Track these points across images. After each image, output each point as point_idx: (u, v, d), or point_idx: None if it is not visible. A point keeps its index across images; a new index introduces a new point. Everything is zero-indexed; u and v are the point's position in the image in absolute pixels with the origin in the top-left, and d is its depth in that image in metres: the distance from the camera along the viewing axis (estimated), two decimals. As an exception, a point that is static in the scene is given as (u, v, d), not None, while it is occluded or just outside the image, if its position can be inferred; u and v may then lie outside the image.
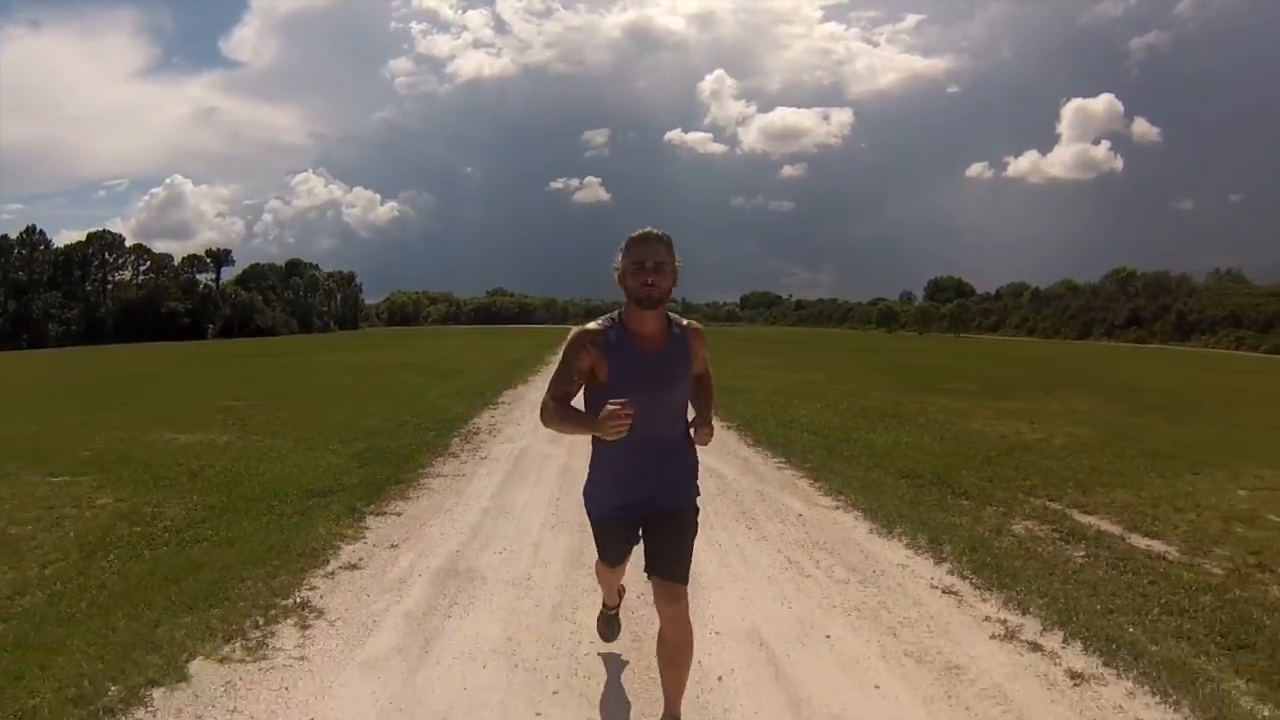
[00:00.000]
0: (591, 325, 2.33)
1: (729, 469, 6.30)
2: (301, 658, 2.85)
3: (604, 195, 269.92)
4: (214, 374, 18.36)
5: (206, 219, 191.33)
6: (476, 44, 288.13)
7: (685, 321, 2.40)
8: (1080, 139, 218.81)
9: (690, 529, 2.38)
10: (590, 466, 2.42)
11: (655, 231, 2.25)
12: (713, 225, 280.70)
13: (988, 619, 3.23)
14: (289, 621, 3.15)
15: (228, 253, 72.90)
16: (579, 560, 3.92)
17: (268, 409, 10.22)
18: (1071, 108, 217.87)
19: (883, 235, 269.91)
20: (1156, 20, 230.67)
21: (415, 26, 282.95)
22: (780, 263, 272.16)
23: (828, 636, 3.06)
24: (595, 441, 2.33)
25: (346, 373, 17.72)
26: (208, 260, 70.53)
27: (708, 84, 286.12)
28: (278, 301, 74.80)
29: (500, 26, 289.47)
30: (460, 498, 5.35)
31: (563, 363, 2.31)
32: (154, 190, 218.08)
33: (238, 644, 2.93)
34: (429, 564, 3.90)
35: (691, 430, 2.42)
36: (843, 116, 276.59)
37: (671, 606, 2.28)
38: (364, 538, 4.33)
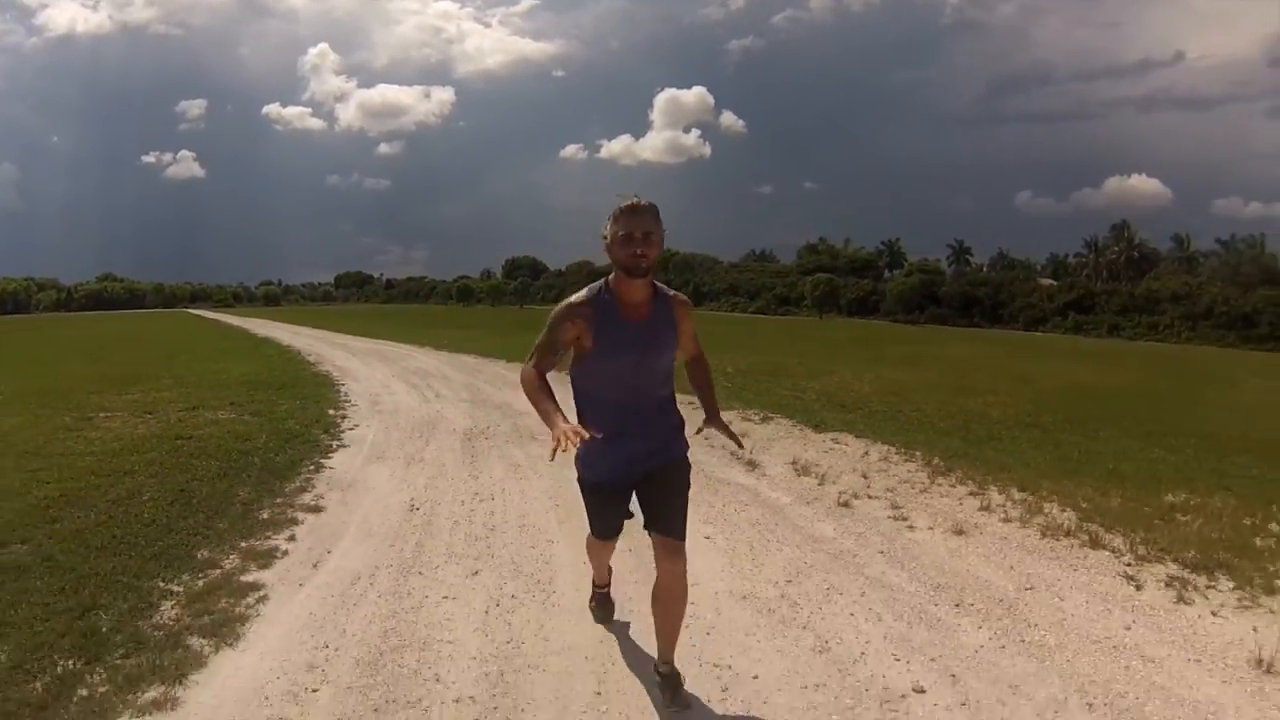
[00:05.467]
0: (575, 298, 2.40)
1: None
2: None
3: (199, 171, 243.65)
4: (88, 335, 32.98)
5: None
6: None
7: (671, 292, 2.49)
8: (672, 126, 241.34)
9: (685, 482, 2.51)
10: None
11: (643, 202, 2.30)
12: (308, 204, 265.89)
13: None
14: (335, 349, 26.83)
15: None
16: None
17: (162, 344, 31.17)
18: (665, 97, 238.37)
19: (477, 213, 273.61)
20: (753, 27, 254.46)
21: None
22: (374, 241, 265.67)
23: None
24: (580, 402, 2.48)
25: (156, 335, 28.55)
26: None
27: (310, 57, 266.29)
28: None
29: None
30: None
31: (547, 333, 2.40)
32: None
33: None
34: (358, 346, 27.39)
35: (702, 429, 2.59)
36: (445, 95, 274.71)
37: (669, 560, 2.41)
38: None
